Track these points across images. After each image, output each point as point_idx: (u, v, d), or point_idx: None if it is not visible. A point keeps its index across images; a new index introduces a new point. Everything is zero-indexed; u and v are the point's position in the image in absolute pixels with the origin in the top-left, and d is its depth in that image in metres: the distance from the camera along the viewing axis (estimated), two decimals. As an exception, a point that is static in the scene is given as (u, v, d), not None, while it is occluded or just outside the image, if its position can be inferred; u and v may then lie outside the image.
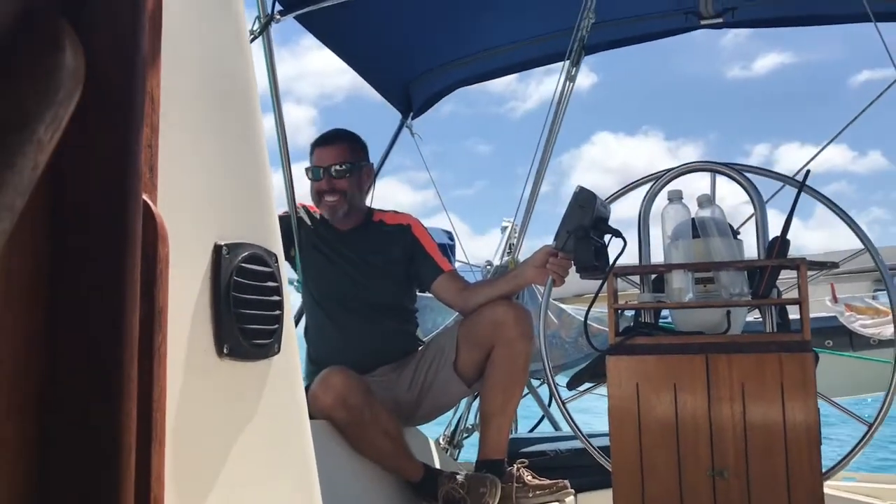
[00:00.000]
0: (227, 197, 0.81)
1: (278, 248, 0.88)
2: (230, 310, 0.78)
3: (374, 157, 3.02)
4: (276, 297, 0.85)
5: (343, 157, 2.76)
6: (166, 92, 0.70)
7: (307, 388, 2.47)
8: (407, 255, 2.80)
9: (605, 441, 2.25)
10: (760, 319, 2.24)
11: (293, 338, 0.92)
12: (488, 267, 3.43)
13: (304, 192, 2.95)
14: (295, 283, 3.03)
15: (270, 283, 0.84)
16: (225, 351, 0.77)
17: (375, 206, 2.95)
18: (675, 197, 2.37)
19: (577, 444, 2.71)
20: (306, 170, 2.80)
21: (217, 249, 0.78)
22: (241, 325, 0.79)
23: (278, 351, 0.86)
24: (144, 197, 0.61)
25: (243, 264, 0.80)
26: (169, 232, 0.68)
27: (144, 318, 0.60)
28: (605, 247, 2.34)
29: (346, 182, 2.72)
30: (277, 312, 0.85)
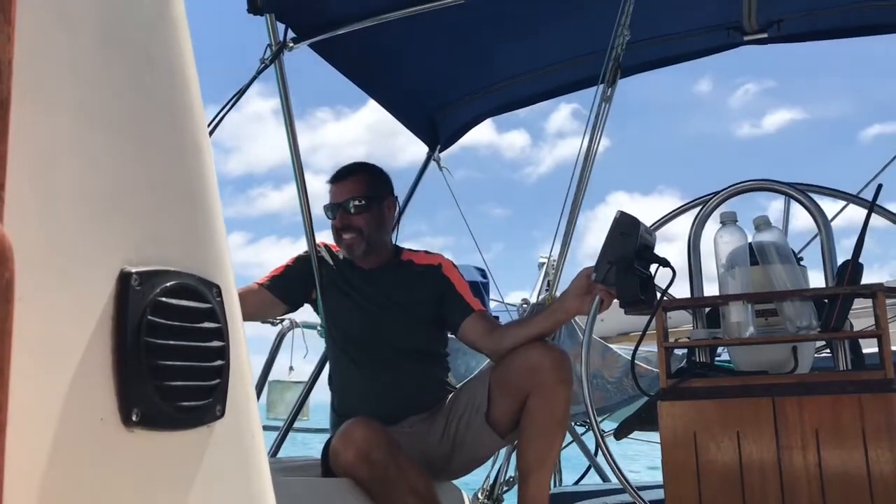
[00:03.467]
0: (141, 206, 0.60)
1: (225, 277, 0.68)
2: (142, 360, 0.57)
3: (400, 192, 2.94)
4: (216, 343, 0.64)
5: (358, 191, 2.68)
6: (33, 61, 0.52)
7: (329, 442, 2.37)
8: (436, 295, 2.70)
9: (658, 494, 2.13)
10: (829, 355, 2.10)
11: (248, 396, 0.70)
12: (525, 306, 3.35)
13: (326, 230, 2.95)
14: (318, 328, 2.98)
15: (208, 324, 0.64)
16: (134, 418, 0.57)
17: (404, 244, 2.88)
18: (729, 219, 2.23)
19: (626, 498, 2.56)
20: (324, 208, 2.73)
21: (123, 278, 0.58)
22: (160, 382, 0.58)
23: (221, 415, 0.64)
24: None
25: (163, 298, 0.60)
26: (40, 252, 0.49)
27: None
28: (651, 278, 2.21)
29: (362, 219, 2.65)
30: (219, 363, 0.64)
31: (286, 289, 2.72)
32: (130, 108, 0.63)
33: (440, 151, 3.94)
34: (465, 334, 2.64)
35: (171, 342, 0.61)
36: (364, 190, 2.70)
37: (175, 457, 0.63)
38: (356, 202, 2.65)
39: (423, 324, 2.71)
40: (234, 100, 2.70)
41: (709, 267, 2.27)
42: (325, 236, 2.86)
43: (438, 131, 3.87)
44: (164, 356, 0.60)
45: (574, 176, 2.88)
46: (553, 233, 2.91)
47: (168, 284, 0.62)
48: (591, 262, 2.32)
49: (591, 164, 2.88)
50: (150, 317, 0.59)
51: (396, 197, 2.84)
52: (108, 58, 0.62)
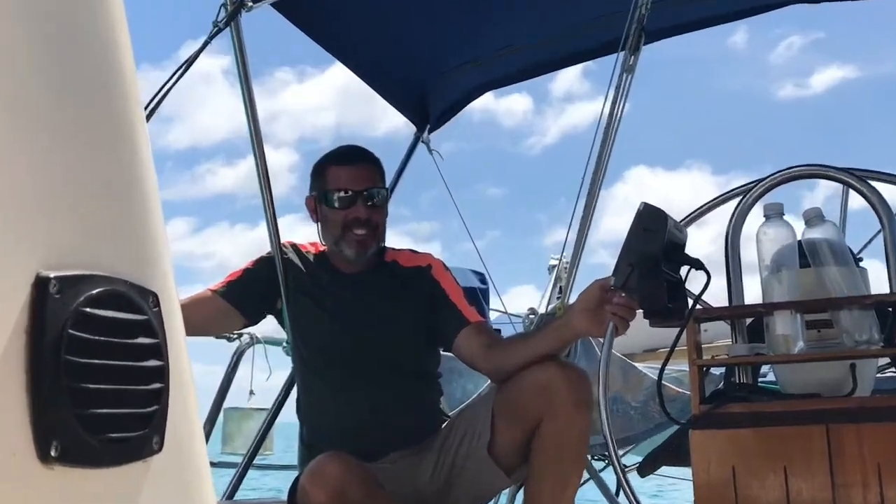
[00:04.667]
0: (62, 200, 0.60)
1: (163, 282, 0.68)
2: (62, 383, 0.57)
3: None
4: (153, 362, 0.65)
5: (381, 179, 2.75)
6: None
7: (297, 480, 2.34)
8: (426, 303, 2.70)
9: (691, 541, 2.19)
10: (894, 375, 2.11)
11: (193, 426, 0.70)
12: (532, 317, 3.33)
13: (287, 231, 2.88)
14: (285, 345, 2.98)
15: (143, 340, 0.64)
16: (54, 453, 0.57)
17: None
18: (775, 212, 2.23)
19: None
20: (323, 194, 2.70)
21: (40, 284, 0.58)
22: (84, 410, 0.58)
23: (159, 448, 0.65)
24: None
25: (88, 308, 0.60)
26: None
27: None
28: (681, 283, 2.20)
29: (380, 213, 2.71)
30: (156, 386, 0.65)
31: (245, 297, 2.72)
32: (47, 87, 0.63)
33: (430, 132, 3.91)
34: (460, 350, 2.63)
35: (98, 361, 0.61)
36: (380, 179, 2.76)
37: (103, 499, 0.62)
38: (381, 192, 2.71)
39: (411, 338, 2.71)
40: (180, 72, 2.70)
41: (750, 269, 2.26)
42: (288, 227, 2.87)
43: (428, 108, 3.85)
44: (90, 378, 0.60)
45: (590, 159, 2.87)
46: (561, 215, 2.93)
47: (94, 292, 0.62)
48: (606, 253, 2.36)
49: (611, 144, 2.86)
50: (71, 330, 0.59)
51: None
52: (16, 28, 0.61)
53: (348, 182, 2.69)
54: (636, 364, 3.72)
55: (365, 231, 2.68)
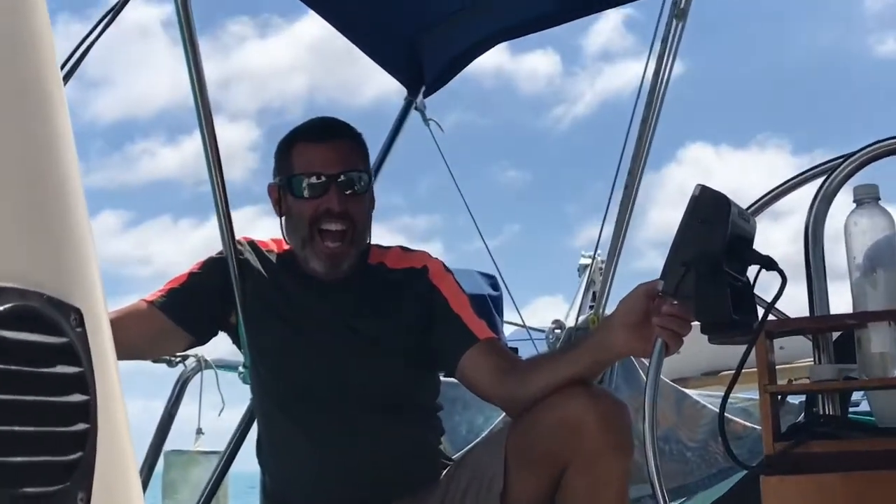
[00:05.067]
0: None
1: (89, 296, 0.69)
2: None
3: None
4: (76, 397, 0.66)
5: (361, 161, 2.75)
6: None
7: None
8: (422, 316, 2.70)
9: None
10: None
11: (128, 475, 0.72)
12: (557, 331, 3.32)
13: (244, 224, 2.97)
14: (241, 370, 2.94)
15: (63, 368, 0.65)
16: None
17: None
18: (868, 196, 2.21)
19: None
20: (288, 180, 2.69)
21: None
22: None
23: None
24: None
25: None
26: None
27: None
28: (749, 287, 2.19)
29: (361, 204, 2.69)
30: (80, 427, 0.66)
31: (191, 310, 2.72)
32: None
33: (425, 96, 3.93)
34: (466, 375, 2.62)
35: (6, 397, 0.61)
36: (360, 160, 2.75)
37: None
38: (363, 177, 2.71)
39: (402, 362, 2.69)
40: (104, 22, 2.69)
41: (837, 268, 2.27)
42: (248, 222, 2.92)
43: (422, 66, 3.87)
44: (-6, 417, 0.65)
45: (630, 132, 2.89)
46: (597, 206, 2.92)
47: (2, 308, 0.62)
48: (656, 254, 2.32)
49: (656, 113, 2.86)
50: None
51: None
52: None
53: (319, 164, 2.68)
54: (692, 392, 3.72)
55: (340, 226, 2.66)
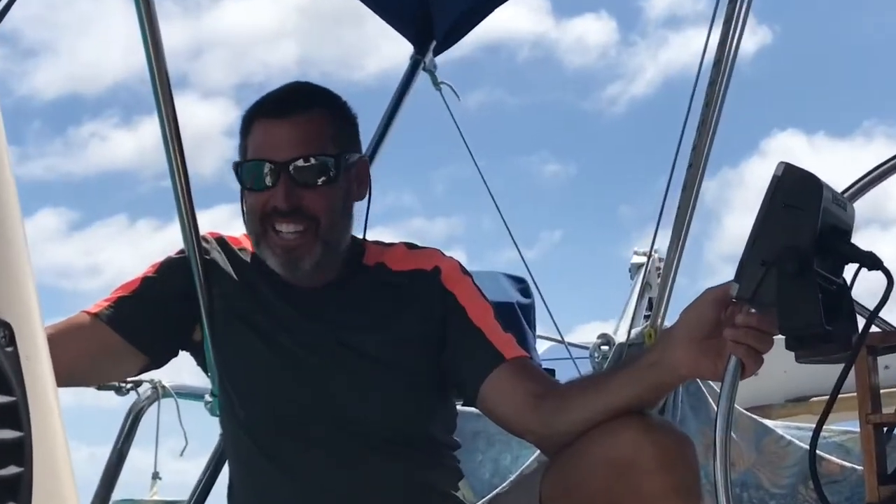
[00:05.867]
0: None
1: (22, 311, 0.71)
2: None
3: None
4: (6, 433, 0.68)
5: (321, 140, 2.67)
6: None
7: None
8: (433, 330, 2.70)
9: None
10: None
11: None
12: (605, 348, 3.37)
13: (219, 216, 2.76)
14: (207, 399, 2.95)
15: None
16: None
17: (369, 235, 2.85)
18: None
19: None
20: (236, 166, 2.71)
21: None
22: None
23: None
24: None
25: None
26: None
27: None
28: (846, 290, 2.20)
29: (323, 196, 2.65)
30: (13, 471, 0.68)
31: (145, 323, 2.66)
32: None
33: (436, 54, 4.03)
34: (491, 403, 2.60)
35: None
36: (329, 141, 2.68)
37: None
38: (318, 163, 2.65)
39: (409, 388, 2.70)
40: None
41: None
42: (223, 223, 2.81)
43: (432, 17, 4.00)
44: None
45: (690, 113, 2.97)
46: (659, 209, 2.88)
47: None
48: (729, 271, 2.28)
49: (725, 80, 2.88)
50: None
51: (366, 157, 2.84)
52: None
53: (267, 147, 2.66)
54: (775, 424, 3.72)
55: (297, 229, 2.63)
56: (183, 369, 3.01)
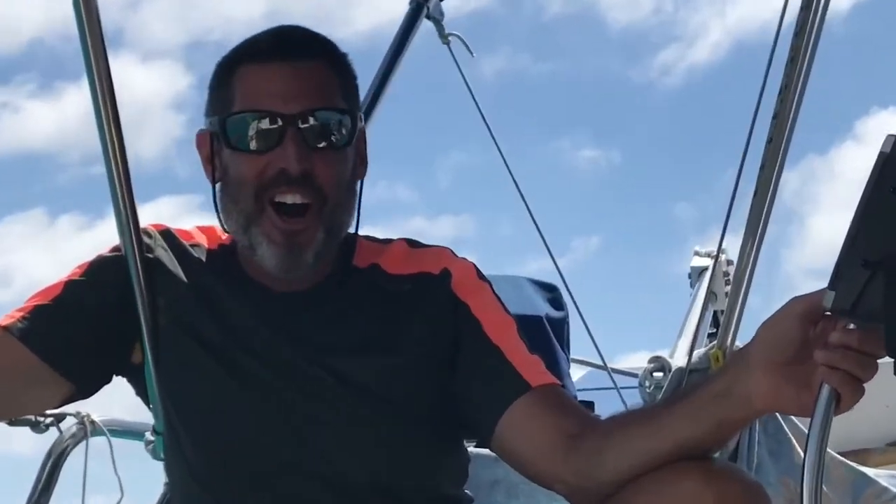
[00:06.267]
0: None
1: None
2: None
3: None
4: None
5: (336, 96, 2.60)
6: None
7: None
8: (439, 350, 2.63)
9: None
10: None
11: None
12: (658, 375, 3.37)
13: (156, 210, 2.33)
14: (149, 439, 2.91)
15: None
16: None
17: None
18: None
19: None
20: (221, 123, 2.58)
21: None
22: None
23: None
24: None
25: None
26: None
27: None
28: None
29: (338, 164, 2.61)
30: None
31: (68, 341, 2.52)
32: None
33: (442, -1, 3.88)
34: (511, 443, 2.53)
35: None
36: (339, 95, 2.61)
37: None
38: (344, 122, 2.60)
39: (407, 424, 2.61)
40: None
41: None
42: (168, 218, 2.60)
43: None
44: None
45: (765, 88, 2.95)
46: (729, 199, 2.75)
47: None
48: (814, 286, 2.22)
49: (807, 57, 2.81)
50: None
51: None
52: None
53: (270, 97, 2.53)
54: (876, 473, 3.72)
55: (301, 198, 2.54)
56: (116, 399, 2.76)
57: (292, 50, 2.64)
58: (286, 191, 2.56)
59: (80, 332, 2.60)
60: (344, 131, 2.61)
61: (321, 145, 2.56)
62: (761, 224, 3.00)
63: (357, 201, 2.74)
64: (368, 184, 2.89)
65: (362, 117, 2.77)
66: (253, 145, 2.58)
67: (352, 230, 2.79)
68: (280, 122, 2.55)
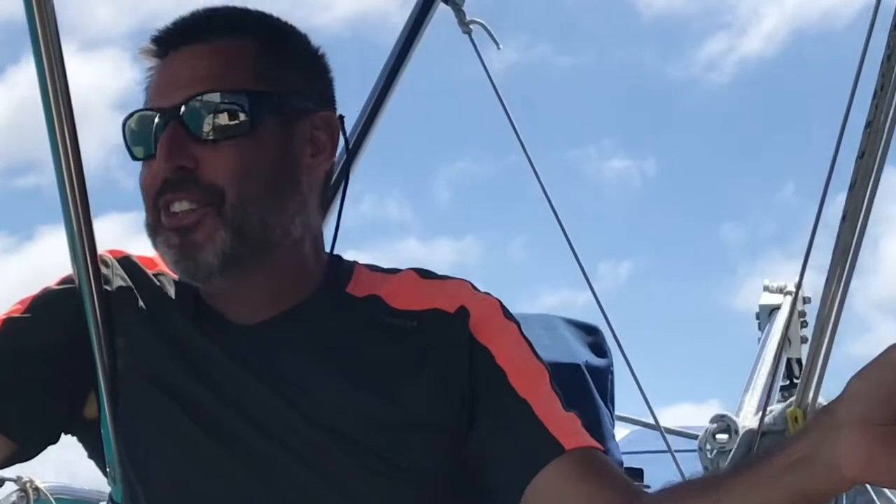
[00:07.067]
0: None
1: None
2: None
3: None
4: None
5: (227, 72, 2.37)
6: None
7: None
8: (455, 402, 2.42)
9: None
10: None
11: None
12: (722, 437, 3.29)
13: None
14: None
15: None
16: None
17: (354, 252, 2.59)
18: None
19: None
20: (124, 125, 2.42)
21: None
22: None
23: None
24: None
25: None
26: None
27: None
28: None
29: (228, 155, 2.37)
30: None
31: (8, 390, 2.34)
32: None
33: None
34: None
35: None
36: (248, 74, 2.39)
37: None
38: (237, 103, 2.35)
39: (416, 489, 2.43)
40: None
41: None
42: (102, 231, 2.54)
43: None
44: None
45: (856, 89, 2.91)
46: (787, 233, 2.13)
47: None
48: (891, 326, 1.86)
49: None
50: None
51: (341, 116, 2.51)
52: None
53: (154, 94, 2.45)
54: None
55: (185, 204, 2.37)
56: (62, 460, 1.85)
57: (195, 33, 2.53)
58: (171, 198, 2.42)
59: (20, 380, 2.40)
60: (243, 115, 2.41)
61: (208, 136, 2.39)
62: (850, 254, 2.79)
63: (307, 201, 2.56)
64: (351, 200, 2.66)
65: (335, 109, 2.63)
66: (138, 152, 2.49)
67: (327, 249, 2.64)
68: (157, 119, 2.44)
